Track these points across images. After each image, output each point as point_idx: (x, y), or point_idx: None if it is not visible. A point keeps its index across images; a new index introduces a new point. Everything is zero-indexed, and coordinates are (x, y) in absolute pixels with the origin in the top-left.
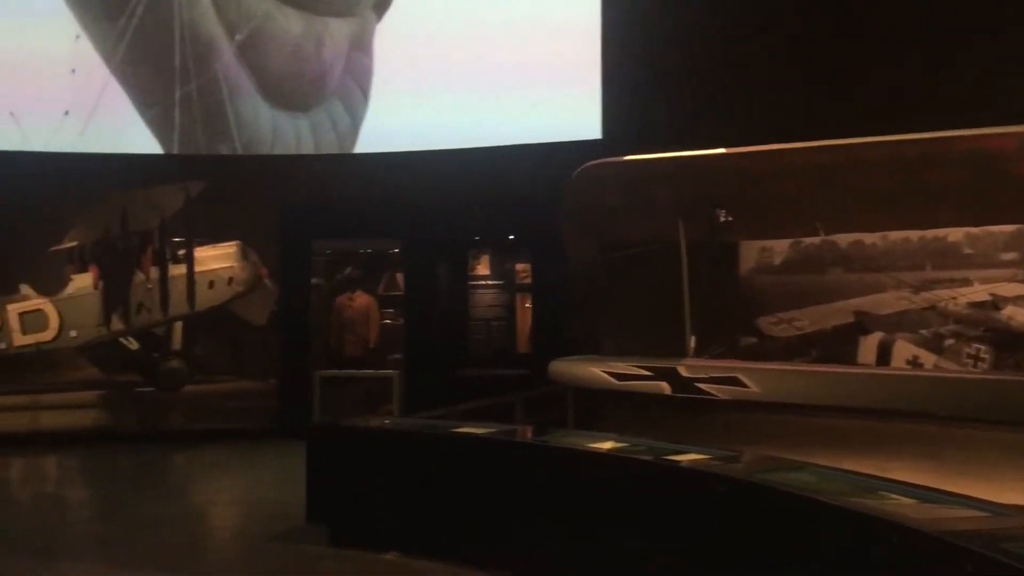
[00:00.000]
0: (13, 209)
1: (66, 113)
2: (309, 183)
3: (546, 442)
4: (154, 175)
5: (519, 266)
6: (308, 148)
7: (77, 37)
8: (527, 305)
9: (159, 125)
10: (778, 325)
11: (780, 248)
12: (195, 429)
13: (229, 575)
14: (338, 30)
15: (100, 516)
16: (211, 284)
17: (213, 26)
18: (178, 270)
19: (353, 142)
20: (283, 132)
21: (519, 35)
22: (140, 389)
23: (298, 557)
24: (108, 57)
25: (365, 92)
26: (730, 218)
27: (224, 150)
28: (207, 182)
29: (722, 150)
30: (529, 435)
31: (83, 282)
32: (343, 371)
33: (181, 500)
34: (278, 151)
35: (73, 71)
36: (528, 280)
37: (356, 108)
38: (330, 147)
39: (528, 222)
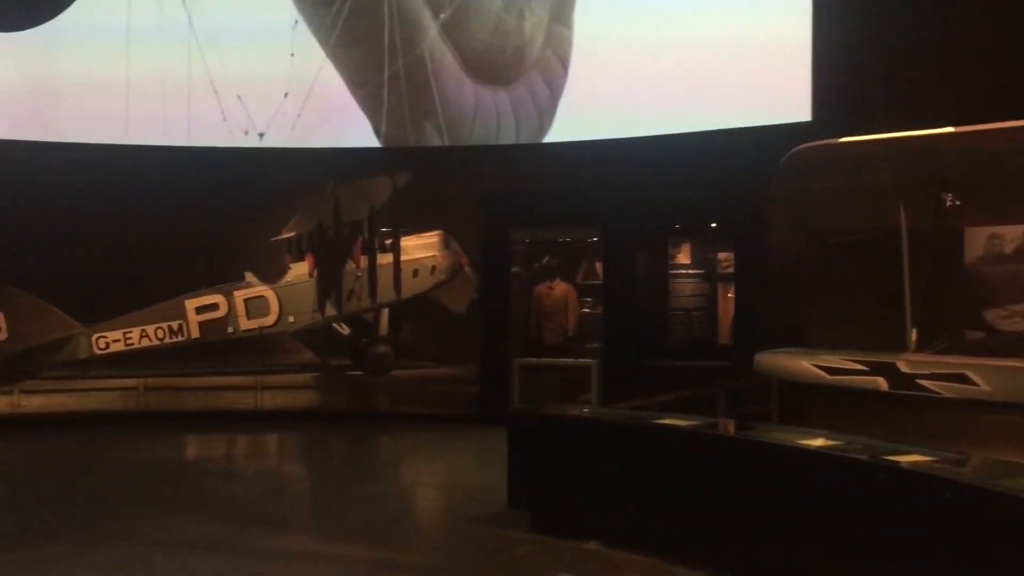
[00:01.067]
0: (239, 202)
1: (286, 95)
2: (509, 172)
3: (753, 437)
4: (364, 167)
5: (721, 254)
6: (508, 121)
7: (296, 22)
8: (729, 295)
9: (369, 103)
10: (1009, 319)
11: (1012, 235)
12: (400, 412)
13: (433, 554)
14: (539, 3)
15: (315, 492)
16: (415, 272)
17: (419, 6)
18: (385, 259)
19: (552, 115)
20: (484, 106)
21: (724, 11)
22: (350, 373)
23: (499, 541)
24: (323, 40)
25: (565, 64)
26: (957, 202)
27: (428, 125)
28: (413, 173)
29: (950, 129)
30: (734, 429)
31: (300, 270)
32: (542, 359)
33: (388, 480)
34: (479, 125)
35: (292, 55)
36: (730, 269)
37: (555, 80)
38: (529, 120)
39: (731, 209)
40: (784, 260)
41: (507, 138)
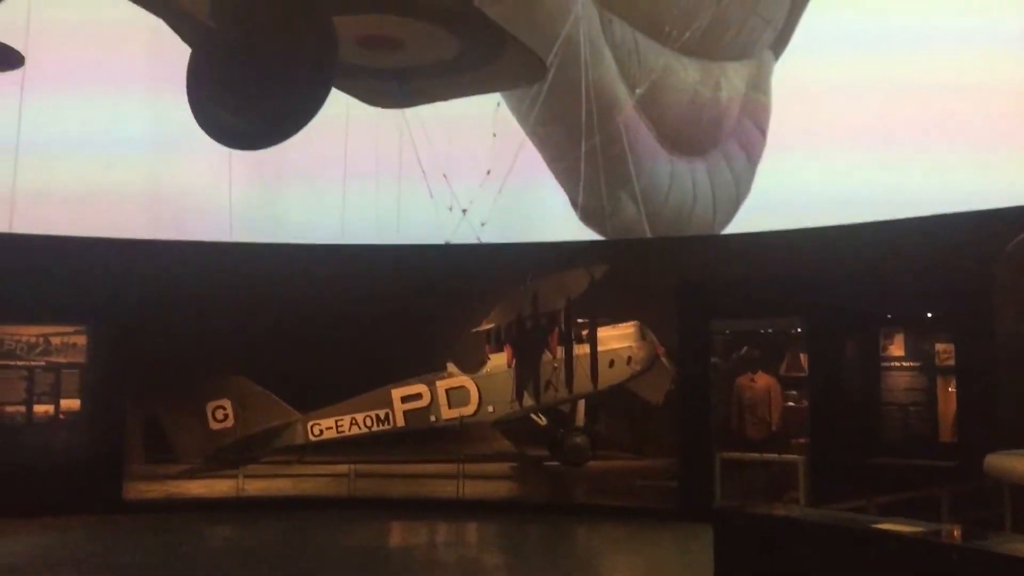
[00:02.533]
0: (442, 295)
1: (488, 172)
2: (707, 262)
3: (986, 547)
4: (561, 260)
5: (940, 346)
6: (704, 190)
7: (498, 105)
8: (950, 389)
9: (567, 176)
10: None
11: None
12: (597, 504)
13: None
14: (735, 73)
15: None
16: (611, 363)
17: (616, 83)
18: (581, 349)
19: (749, 183)
20: (680, 175)
21: (934, 87)
22: (547, 463)
23: None
24: (523, 120)
25: (763, 130)
26: None
27: (624, 196)
28: (609, 264)
29: None
30: (964, 537)
31: (499, 361)
32: (745, 454)
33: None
34: (674, 194)
35: (495, 135)
36: (950, 361)
37: (753, 148)
38: (726, 187)
39: (949, 298)
40: (1015, 352)
41: (704, 207)
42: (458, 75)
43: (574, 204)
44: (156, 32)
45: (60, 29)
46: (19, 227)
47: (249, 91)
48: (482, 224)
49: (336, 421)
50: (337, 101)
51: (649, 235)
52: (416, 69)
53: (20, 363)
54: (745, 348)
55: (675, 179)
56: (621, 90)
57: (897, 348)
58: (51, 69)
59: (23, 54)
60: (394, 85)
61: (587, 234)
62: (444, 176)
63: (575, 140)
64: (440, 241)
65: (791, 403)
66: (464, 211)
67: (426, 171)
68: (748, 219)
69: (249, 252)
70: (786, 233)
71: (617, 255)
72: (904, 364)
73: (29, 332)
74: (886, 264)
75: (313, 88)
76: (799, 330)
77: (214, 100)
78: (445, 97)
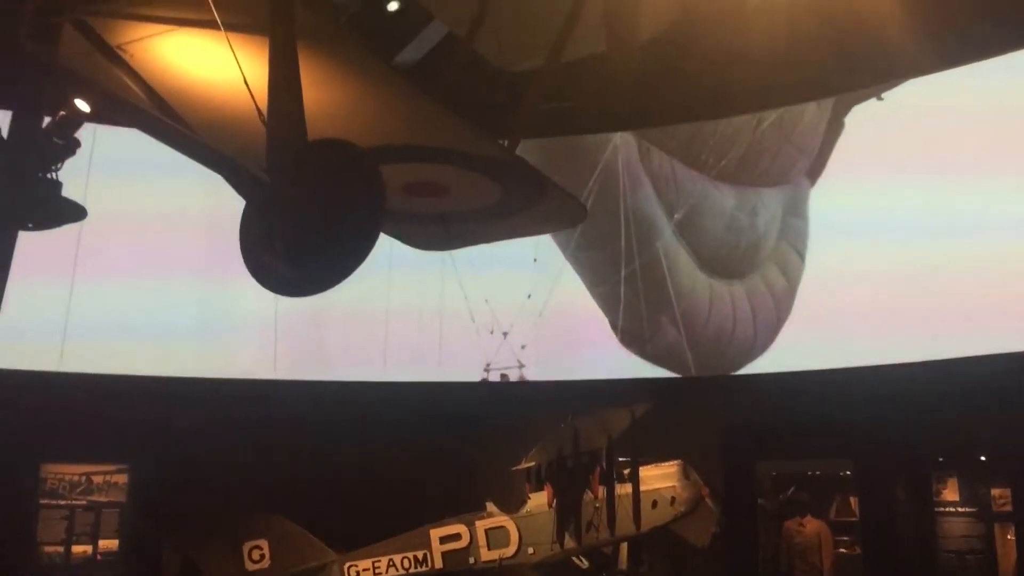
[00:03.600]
0: (482, 433)
1: (528, 296)
2: (753, 401)
3: None
4: (603, 398)
5: (996, 491)
6: (744, 314)
7: None
8: (1009, 536)
9: (606, 301)
10: None
11: None
12: None
13: None
14: (772, 198)
15: None
16: (654, 504)
17: (654, 208)
18: (623, 489)
19: (790, 305)
20: (720, 298)
21: (978, 227)
22: None
23: None
24: (563, 246)
25: (801, 254)
26: None
27: (664, 319)
28: (652, 403)
29: None
30: None
31: (539, 500)
32: None
33: None
34: (715, 317)
35: (535, 260)
36: (1008, 507)
37: (792, 271)
38: (766, 311)
39: (1005, 440)
40: None
41: (744, 330)
42: (499, 219)
43: (614, 328)
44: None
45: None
46: (67, 366)
47: (301, 241)
48: (523, 347)
49: (373, 563)
50: (381, 237)
51: (690, 358)
52: (459, 214)
53: (62, 502)
54: (792, 489)
55: (715, 302)
56: (659, 216)
57: (951, 492)
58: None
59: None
60: (437, 229)
61: (628, 357)
62: (486, 301)
63: (615, 265)
64: (481, 366)
65: (843, 549)
66: (505, 334)
67: (468, 296)
68: (792, 349)
69: (290, 390)
70: (834, 372)
71: (660, 393)
72: (959, 510)
73: (72, 471)
74: (937, 406)
75: (362, 238)
76: (848, 472)
77: (266, 249)
78: (487, 240)
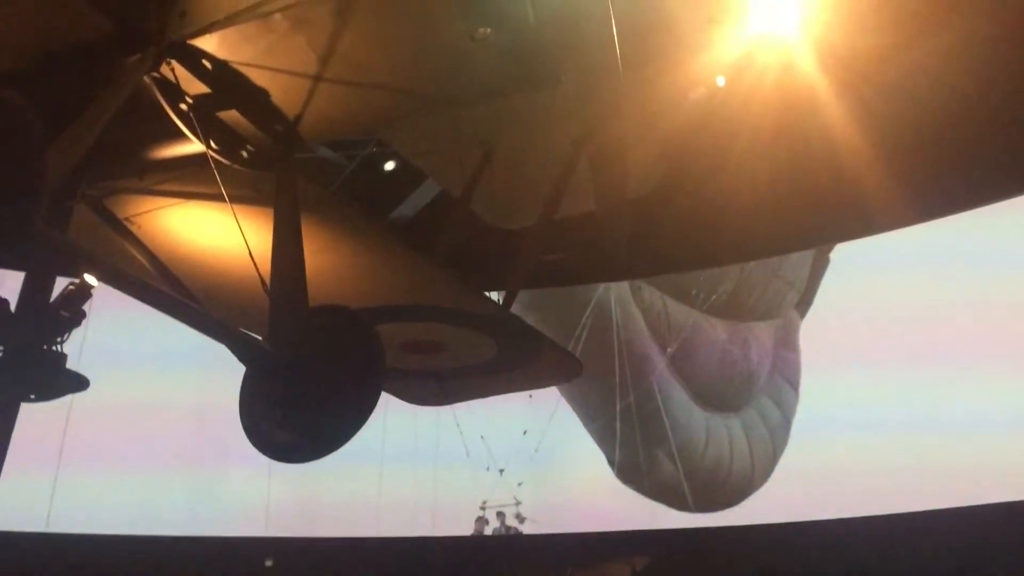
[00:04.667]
0: None
1: (524, 432)
2: (752, 552)
3: None
4: (603, 551)
5: None
6: (740, 445)
7: None
8: None
9: (602, 435)
10: None
11: None
12: None
13: None
14: (763, 331)
15: None
16: None
17: (647, 342)
18: None
19: (786, 436)
20: (715, 431)
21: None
22: None
23: None
24: None
25: (795, 386)
26: None
27: (661, 454)
28: (650, 556)
29: None
30: None
31: None
32: None
33: None
34: (711, 450)
35: (531, 396)
36: None
37: (786, 402)
38: (762, 442)
39: None
40: None
41: (741, 462)
42: (495, 376)
43: (611, 462)
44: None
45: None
46: (55, 526)
47: (302, 408)
48: (519, 484)
49: None
50: None
51: (688, 492)
52: (454, 370)
53: None
54: None
55: (711, 435)
56: (653, 350)
57: None
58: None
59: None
60: (433, 386)
61: (625, 492)
62: (481, 437)
63: (610, 400)
64: (477, 504)
65: None
66: (501, 471)
67: (463, 431)
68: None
69: (280, 547)
70: (842, 523)
71: (659, 545)
72: None
73: None
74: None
75: (364, 402)
76: None
77: (266, 416)
78: (482, 395)
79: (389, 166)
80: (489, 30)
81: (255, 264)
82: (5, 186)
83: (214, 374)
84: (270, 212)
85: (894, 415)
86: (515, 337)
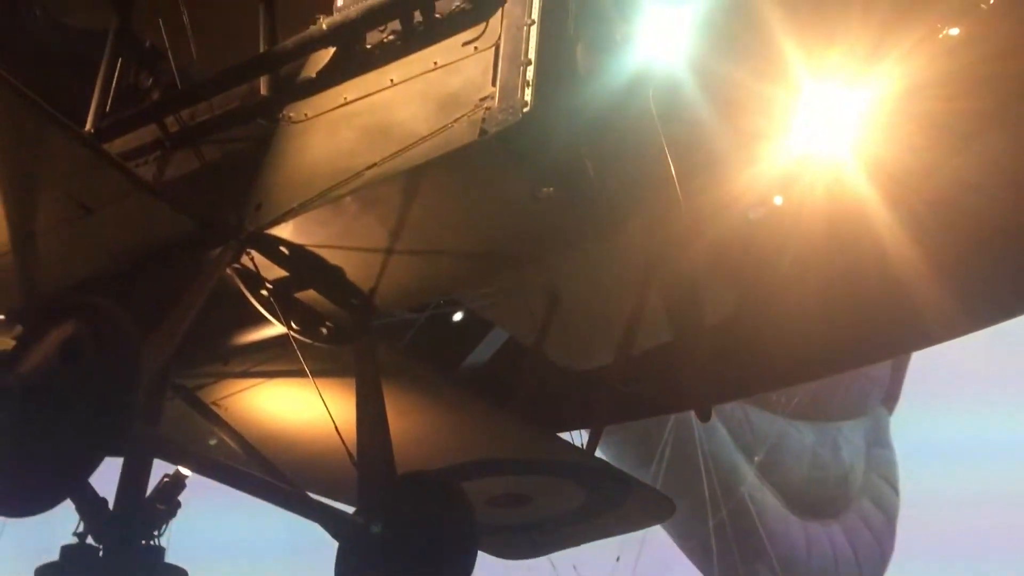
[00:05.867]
0: None
1: (617, 559)
2: None
3: None
4: None
5: None
6: (845, 553)
7: None
8: None
9: (698, 554)
10: None
11: None
12: None
13: None
14: (852, 431)
15: None
16: None
17: (732, 453)
18: None
19: (891, 538)
20: (816, 540)
21: None
22: None
23: None
24: None
25: (893, 485)
26: None
27: (762, 568)
28: None
29: None
30: None
31: None
32: None
33: None
34: (815, 560)
35: None
36: None
37: (887, 503)
38: (868, 547)
39: None
40: None
41: (848, 570)
42: (585, 522)
43: None
44: None
45: None
46: None
47: None
48: None
49: None
50: None
51: None
52: (543, 521)
53: None
54: None
55: (812, 545)
56: (739, 460)
57: None
58: None
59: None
60: (523, 538)
61: None
62: (574, 567)
63: (701, 516)
64: None
65: None
66: None
67: (555, 564)
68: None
69: None
70: None
71: None
72: None
73: None
74: None
75: (459, 566)
76: None
77: None
78: (574, 544)
79: (457, 317)
80: (551, 188)
81: (341, 437)
82: (104, 391)
83: (309, 554)
84: (351, 382)
85: (1002, 507)
86: (603, 482)
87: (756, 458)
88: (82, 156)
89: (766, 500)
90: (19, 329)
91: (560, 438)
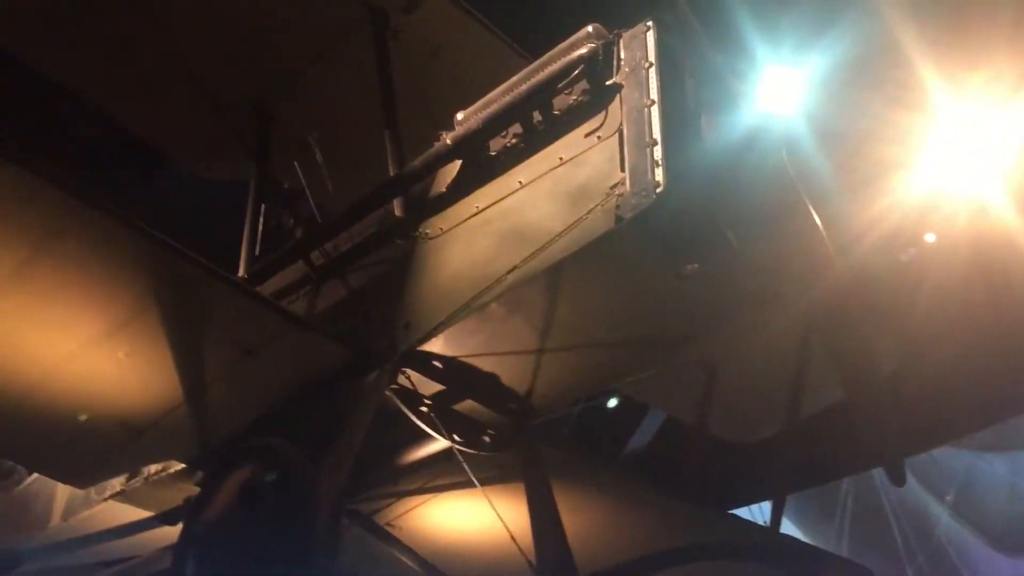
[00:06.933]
0: None
1: None
2: None
3: None
4: None
5: None
6: None
7: None
8: None
9: None
10: None
11: None
12: None
13: None
14: None
15: None
16: None
17: (920, 495)
18: None
19: None
20: None
21: None
22: None
23: None
24: (834, 551)
25: None
26: None
27: None
28: None
29: None
30: None
31: None
32: None
33: None
34: None
35: None
36: None
37: None
38: None
39: None
40: None
41: None
42: None
43: None
44: None
45: None
46: None
47: None
48: None
49: None
50: None
51: None
52: None
53: None
54: None
55: None
56: (929, 502)
57: None
58: None
59: None
60: None
61: None
62: None
63: (898, 567)
64: None
65: None
66: None
67: None
68: None
69: None
70: None
71: None
72: None
73: None
74: None
75: None
76: None
77: None
78: None
79: (612, 403)
80: (696, 264)
81: (517, 544)
82: (286, 530)
83: None
84: (518, 487)
85: None
86: (791, 560)
87: (947, 497)
88: (241, 303)
89: (966, 540)
90: (199, 476)
91: (739, 517)
